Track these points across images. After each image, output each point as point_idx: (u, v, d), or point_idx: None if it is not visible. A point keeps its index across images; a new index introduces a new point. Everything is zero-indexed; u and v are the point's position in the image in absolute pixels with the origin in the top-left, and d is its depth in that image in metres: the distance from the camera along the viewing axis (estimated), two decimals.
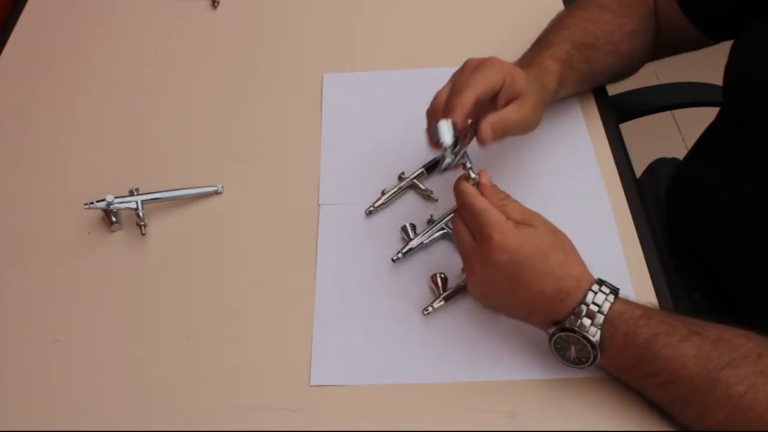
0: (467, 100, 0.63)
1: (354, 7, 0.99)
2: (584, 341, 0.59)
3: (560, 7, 0.95)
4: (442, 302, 0.69)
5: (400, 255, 0.72)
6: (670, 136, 1.82)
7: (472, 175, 0.64)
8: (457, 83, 0.66)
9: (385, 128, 0.84)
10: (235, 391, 0.66)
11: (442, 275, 0.70)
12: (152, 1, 1.02)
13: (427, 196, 0.78)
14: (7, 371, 0.69)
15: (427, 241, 0.73)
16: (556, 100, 0.79)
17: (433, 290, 0.70)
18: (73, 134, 0.87)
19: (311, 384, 0.66)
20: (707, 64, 1.00)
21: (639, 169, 0.97)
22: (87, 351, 0.70)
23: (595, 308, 0.59)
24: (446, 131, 0.63)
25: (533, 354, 0.66)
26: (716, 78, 0.86)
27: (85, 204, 0.75)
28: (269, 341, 0.69)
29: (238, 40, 0.96)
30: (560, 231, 0.64)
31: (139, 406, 0.66)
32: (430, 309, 0.69)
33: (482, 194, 0.63)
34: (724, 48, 0.81)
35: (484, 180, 0.63)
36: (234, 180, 0.81)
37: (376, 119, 0.83)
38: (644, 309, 0.60)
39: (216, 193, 0.80)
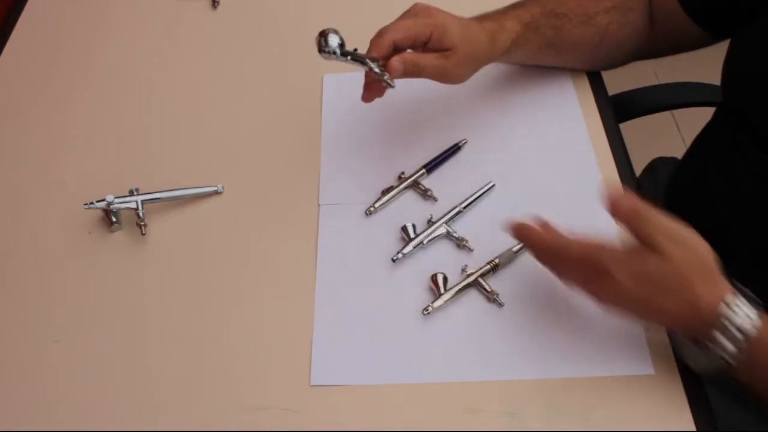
0: (384, 42, 0.68)
1: (353, 8, 0.99)
2: (719, 358, 0.57)
3: None
4: (442, 302, 0.69)
5: (400, 255, 0.72)
6: (670, 136, 1.82)
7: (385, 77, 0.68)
8: (387, 26, 0.70)
9: (385, 128, 0.84)
10: (235, 391, 0.66)
11: (442, 275, 0.70)
12: (152, 1, 1.02)
13: (427, 196, 0.78)
14: (7, 371, 0.69)
15: (427, 241, 0.73)
16: (556, 99, 0.79)
17: (433, 290, 0.70)
18: (73, 134, 0.87)
19: (311, 384, 0.66)
20: (707, 64, 1.00)
21: (639, 169, 0.97)
22: (87, 351, 0.70)
23: (733, 328, 0.56)
24: (332, 38, 0.69)
25: (533, 354, 0.66)
26: (716, 78, 0.86)
27: (85, 204, 0.75)
28: (269, 341, 0.69)
29: (238, 40, 0.96)
30: (697, 245, 0.60)
31: (139, 406, 0.66)
32: (430, 309, 0.69)
33: (617, 211, 0.61)
34: (723, 48, 0.81)
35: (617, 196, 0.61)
36: (234, 180, 0.81)
37: (376, 119, 0.83)
38: None
39: (216, 193, 0.80)
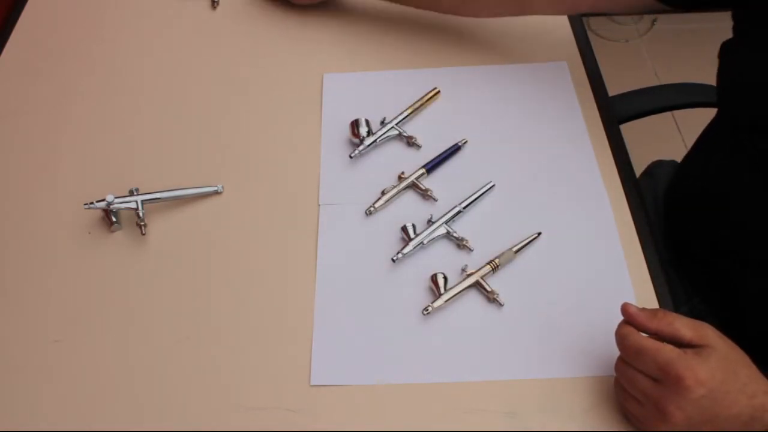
0: None
1: (354, 8, 0.99)
2: None
3: None
4: (442, 302, 0.69)
5: (400, 255, 0.72)
6: (670, 136, 1.82)
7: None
8: None
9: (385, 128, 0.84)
10: (235, 391, 0.66)
11: (442, 275, 0.70)
12: (152, 1, 1.02)
13: (427, 196, 0.78)
14: (7, 371, 0.69)
15: (427, 241, 0.73)
16: (555, 98, 0.79)
17: (433, 290, 0.70)
18: (73, 134, 0.87)
19: (311, 384, 0.66)
20: (707, 64, 0.99)
21: (639, 170, 0.97)
22: (87, 351, 0.70)
23: None
24: None
25: (533, 354, 0.66)
26: (715, 78, 0.86)
27: (85, 204, 0.75)
28: (269, 341, 0.69)
29: (238, 40, 0.96)
30: (729, 340, 0.58)
31: (138, 406, 0.66)
32: (430, 309, 0.69)
33: (642, 324, 0.58)
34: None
35: (640, 313, 0.58)
36: (234, 180, 0.81)
37: (377, 119, 0.83)
38: None
39: (216, 193, 0.80)
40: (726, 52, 0.75)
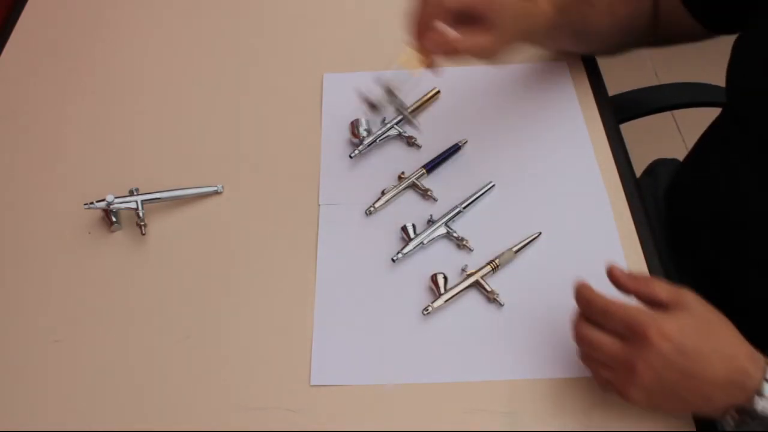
0: (431, 12, 0.64)
1: (354, 7, 0.99)
2: None
3: None
4: (442, 302, 0.69)
5: (400, 255, 0.72)
6: (670, 136, 1.82)
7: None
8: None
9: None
10: (235, 391, 0.66)
11: (442, 275, 0.70)
12: (152, 1, 1.02)
13: (427, 196, 0.78)
14: (7, 371, 0.69)
15: (427, 241, 0.73)
16: (558, 100, 0.79)
17: (433, 290, 0.70)
18: (73, 134, 0.87)
19: (311, 384, 0.66)
20: (707, 64, 1.00)
21: (639, 170, 0.97)
22: (87, 351, 0.70)
23: None
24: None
25: (533, 354, 0.66)
26: (716, 78, 0.86)
27: (85, 204, 0.75)
28: (269, 341, 0.69)
29: (239, 40, 0.96)
30: (711, 307, 0.57)
31: (138, 406, 0.66)
32: (430, 309, 0.69)
33: (623, 285, 0.59)
34: (724, 48, 0.81)
35: (618, 272, 0.59)
36: (234, 180, 0.81)
37: (376, 119, 0.83)
38: None
39: (216, 193, 0.80)
40: (738, 47, 0.75)
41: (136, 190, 0.78)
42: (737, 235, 0.78)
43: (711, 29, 0.80)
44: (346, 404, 0.65)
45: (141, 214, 0.76)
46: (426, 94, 0.86)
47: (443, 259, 0.73)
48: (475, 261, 0.72)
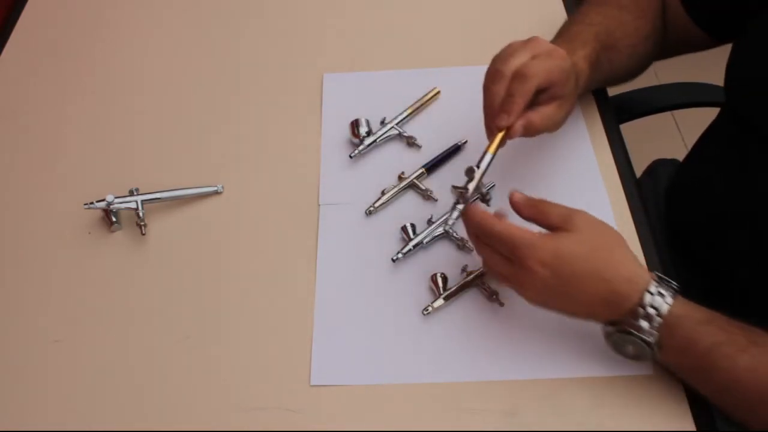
0: (530, 89, 0.63)
1: (354, 7, 0.99)
2: (641, 342, 0.58)
3: (561, 7, 0.95)
4: (442, 302, 0.69)
5: (400, 255, 0.72)
6: (670, 136, 1.82)
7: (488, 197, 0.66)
8: (518, 65, 0.64)
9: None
10: (235, 391, 0.66)
11: (442, 275, 0.70)
12: (152, 1, 1.02)
13: (427, 196, 0.78)
14: (7, 371, 0.69)
15: (427, 241, 0.73)
16: None
17: (433, 290, 0.70)
18: (73, 134, 0.87)
19: (311, 384, 0.66)
20: (707, 64, 1.00)
21: (639, 170, 0.97)
22: (87, 351, 0.70)
23: (653, 311, 0.57)
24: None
25: (533, 354, 0.66)
26: (716, 78, 0.86)
27: (85, 204, 0.75)
28: (269, 341, 0.69)
29: (239, 40, 0.96)
30: (607, 228, 0.61)
31: (138, 406, 0.66)
32: (430, 309, 0.69)
33: (519, 211, 0.62)
34: (724, 48, 0.81)
35: (517, 197, 0.63)
36: (234, 180, 0.81)
37: (376, 119, 0.83)
38: (704, 312, 0.59)
39: (216, 193, 0.80)
40: (737, 47, 0.75)
41: (136, 190, 0.78)
42: (737, 235, 0.78)
43: (717, 38, 0.80)
44: (346, 404, 0.65)
45: (141, 214, 0.76)
46: (426, 94, 0.86)
47: (443, 259, 0.73)
48: (475, 261, 0.72)
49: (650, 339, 0.58)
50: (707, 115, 0.90)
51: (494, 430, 0.63)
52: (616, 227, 0.73)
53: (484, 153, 0.66)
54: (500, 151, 0.81)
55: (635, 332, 0.58)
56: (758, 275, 0.76)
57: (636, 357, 0.61)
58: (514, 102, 0.63)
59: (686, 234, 0.88)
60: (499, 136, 0.65)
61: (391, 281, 0.72)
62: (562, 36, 0.78)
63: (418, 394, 0.65)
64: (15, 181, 0.84)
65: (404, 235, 0.74)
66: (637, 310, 0.58)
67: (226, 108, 0.89)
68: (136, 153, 0.85)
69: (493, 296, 0.69)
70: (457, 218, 0.64)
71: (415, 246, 0.73)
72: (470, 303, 0.70)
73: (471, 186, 0.64)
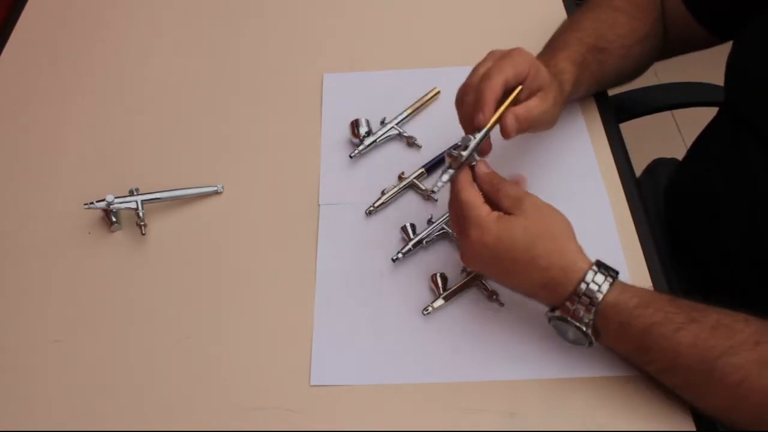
0: (496, 84, 0.64)
1: (354, 7, 0.99)
2: (577, 329, 0.60)
3: (561, 7, 0.95)
4: (442, 302, 0.69)
5: (400, 255, 0.72)
6: (670, 136, 1.82)
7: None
8: (483, 71, 0.66)
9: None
10: (235, 391, 0.66)
11: (442, 275, 0.70)
12: (152, 1, 1.02)
13: (427, 196, 0.78)
14: (7, 371, 0.69)
15: (427, 241, 0.73)
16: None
17: (433, 290, 0.70)
18: (73, 134, 0.87)
19: (311, 384, 0.66)
20: (707, 64, 1.00)
21: (639, 169, 0.97)
22: (87, 351, 0.70)
23: (586, 299, 0.59)
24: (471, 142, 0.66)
25: (533, 354, 0.66)
26: (716, 78, 0.86)
27: (85, 204, 0.75)
28: (269, 341, 0.69)
29: (239, 40, 0.96)
30: (554, 217, 0.63)
31: (138, 406, 0.66)
32: (430, 309, 0.69)
33: (480, 185, 0.64)
34: (724, 48, 0.81)
35: (479, 170, 0.65)
36: (234, 180, 0.81)
37: (376, 119, 0.83)
38: (641, 296, 0.60)
39: (216, 193, 0.80)
40: (737, 46, 0.75)
41: (136, 190, 0.78)
42: (736, 234, 0.78)
43: (718, 36, 0.80)
44: (346, 404, 0.65)
45: (141, 214, 0.76)
46: (426, 94, 0.86)
47: (443, 259, 0.73)
48: None
49: (585, 327, 0.60)
50: (707, 114, 0.90)
51: (494, 430, 0.63)
52: (616, 227, 0.74)
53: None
54: (500, 150, 0.81)
55: (571, 319, 0.60)
56: (758, 274, 0.76)
57: (576, 341, 0.63)
58: (483, 98, 0.65)
59: (686, 233, 0.88)
60: (498, 114, 0.66)
61: (391, 281, 0.72)
62: (547, 45, 0.79)
63: (418, 394, 0.65)
64: (15, 181, 0.84)
65: (404, 235, 0.74)
66: (572, 298, 0.59)
67: (226, 108, 0.89)
68: (136, 153, 0.85)
69: (493, 296, 0.69)
70: (446, 182, 0.65)
71: (415, 246, 0.73)
72: (470, 303, 0.70)
73: (465, 153, 0.65)
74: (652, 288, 0.69)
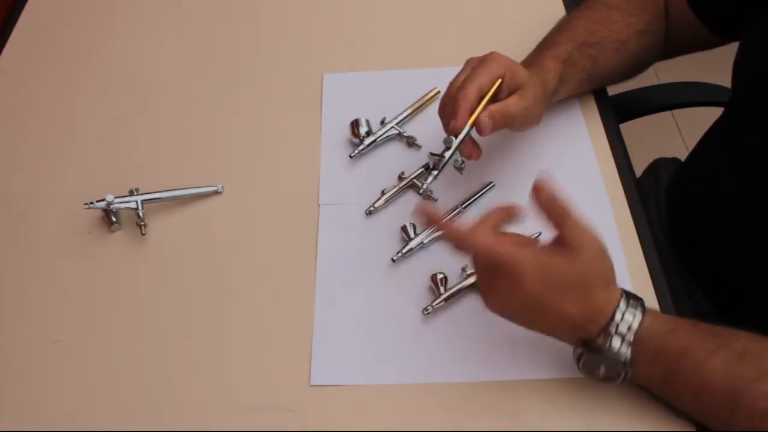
0: (471, 92, 0.66)
1: (354, 7, 0.99)
2: (614, 360, 0.58)
3: (560, 6, 0.95)
4: (442, 302, 0.69)
5: (400, 255, 0.72)
6: (670, 136, 1.82)
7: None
8: (460, 81, 0.69)
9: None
10: (235, 391, 0.66)
11: (442, 275, 0.70)
12: (152, 1, 1.02)
13: (427, 196, 0.78)
14: (7, 371, 0.69)
15: (427, 241, 0.73)
16: (559, 100, 0.79)
17: (433, 290, 0.70)
18: (73, 134, 0.87)
19: (311, 384, 0.66)
20: (707, 64, 1.00)
21: (639, 169, 0.96)
22: (87, 351, 0.70)
23: (624, 328, 0.58)
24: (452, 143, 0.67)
25: (533, 354, 0.66)
26: (716, 78, 0.86)
27: (85, 204, 0.75)
28: (269, 341, 0.69)
29: (239, 40, 0.96)
30: (605, 262, 0.60)
31: (139, 406, 0.66)
32: (430, 309, 0.69)
33: (537, 198, 0.59)
34: (724, 48, 0.81)
35: (541, 186, 0.59)
36: (234, 180, 0.81)
37: (376, 119, 0.83)
38: (672, 322, 0.59)
39: (216, 193, 0.80)
40: (746, 45, 0.75)
41: (136, 190, 0.78)
42: (738, 234, 0.78)
43: (721, 36, 0.80)
44: (346, 404, 0.65)
45: (141, 214, 0.76)
46: (426, 94, 0.86)
47: (443, 259, 0.73)
48: None
49: (624, 359, 0.58)
50: (707, 114, 0.90)
51: (494, 430, 0.63)
52: (615, 227, 0.74)
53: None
54: (500, 150, 0.81)
55: (608, 351, 0.58)
56: (759, 274, 0.76)
57: (607, 377, 0.60)
58: (457, 107, 0.66)
59: (688, 232, 0.88)
60: (477, 111, 0.67)
61: (391, 281, 0.72)
62: (537, 45, 0.80)
63: (418, 394, 0.65)
64: (15, 181, 0.84)
65: (404, 235, 0.74)
66: (609, 328, 0.58)
67: (226, 108, 0.89)
68: (136, 153, 0.85)
69: None
70: (430, 182, 0.68)
71: (415, 246, 0.73)
72: (470, 303, 0.70)
73: (447, 154, 0.67)
74: (652, 286, 0.69)
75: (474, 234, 0.58)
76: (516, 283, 0.57)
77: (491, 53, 0.70)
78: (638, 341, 0.58)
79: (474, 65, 0.69)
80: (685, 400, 0.60)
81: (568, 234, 0.58)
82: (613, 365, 0.59)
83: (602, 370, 0.60)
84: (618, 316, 0.58)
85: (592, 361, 0.60)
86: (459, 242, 0.59)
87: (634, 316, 0.58)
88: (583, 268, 0.58)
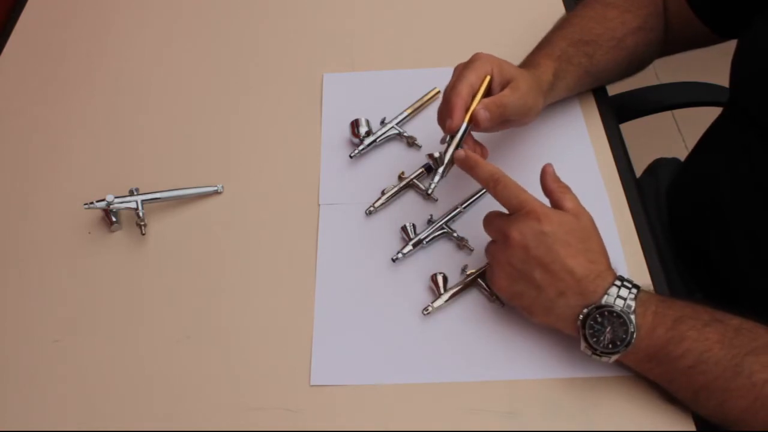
0: (463, 90, 0.67)
1: (354, 7, 0.99)
2: (621, 319, 0.59)
3: (560, 6, 0.95)
4: (442, 302, 0.69)
5: (400, 255, 0.72)
6: (670, 136, 1.82)
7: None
8: (455, 79, 0.70)
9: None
10: (235, 391, 0.66)
11: (442, 275, 0.70)
12: (152, 1, 1.02)
13: (426, 195, 0.78)
14: (7, 371, 0.69)
15: (427, 241, 0.73)
16: (559, 100, 0.79)
17: (433, 290, 0.70)
18: (73, 134, 0.87)
19: (311, 384, 0.66)
20: (707, 64, 1.00)
21: (639, 169, 0.97)
22: (87, 351, 0.70)
23: (629, 284, 0.60)
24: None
25: (533, 354, 0.66)
26: (716, 78, 0.86)
27: (85, 204, 0.75)
28: (269, 341, 0.69)
29: (239, 40, 0.96)
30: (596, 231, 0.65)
31: (138, 406, 0.66)
32: (430, 309, 0.69)
33: (545, 176, 0.66)
34: (724, 47, 0.81)
35: (550, 168, 0.66)
36: (234, 180, 0.81)
37: (376, 119, 0.83)
38: (666, 296, 0.62)
39: (216, 193, 0.80)
40: (744, 44, 0.75)
41: (136, 190, 0.78)
42: (738, 234, 0.78)
43: (719, 34, 0.80)
44: (346, 404, 0.65)
45: (141, 214, 0.76)
46: (426, 94, 0.86)
47: (443, 259, 0.73)
48: (475, 261, 0.72)
49: (631, 314, 0.59)
50: (707, 114, 0.90)
51: (494, 430, 0.63)
52: (615, 227, 0.74)
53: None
54: (500, 150, 0.81)
55: (614, 304, 0.59)
56: (760, 273, 0.76)
57: (611, 344, 0.60)
58: (451, 105, 0.67)
59: (688, 232, 0.88)
60: (471, 108, 0.68)
61: (391, 281, 0.72)
62: (535, 47, 0.81)
63: (418, 394, 0.65)
64: (15, 181, 0.84)
65: (404, 235, 0.74)
66: (614, 285, 0.60)
67: (226, 108, 0.89)
68: (136, 153, 0.85)
69: (493, 296, 0.69)
70: (438, 182, 0.68)
71: (415, 246, 0.73)
72: (470, 303, 0.70)
73: (449, 151, 0.68)
74: (652, 288, 0.69)
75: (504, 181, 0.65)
76: (539, 220, 0.61)
77: (475, 54, 0.71)
78: (639, 301, 0.60)
79: (460, 69, 0.71)
80: (683, 376, 0.59)
81: (571, 203, 0.64)
82: (620, 325, 0.59)
83: (607, 334, 0.60)
84: (617, 282, 0.61)
85: (598, 324, 0.60)
86: (490, 184, 0.65)
87: (632, 284, 0.61)
88: (586, 227, 0.63)
